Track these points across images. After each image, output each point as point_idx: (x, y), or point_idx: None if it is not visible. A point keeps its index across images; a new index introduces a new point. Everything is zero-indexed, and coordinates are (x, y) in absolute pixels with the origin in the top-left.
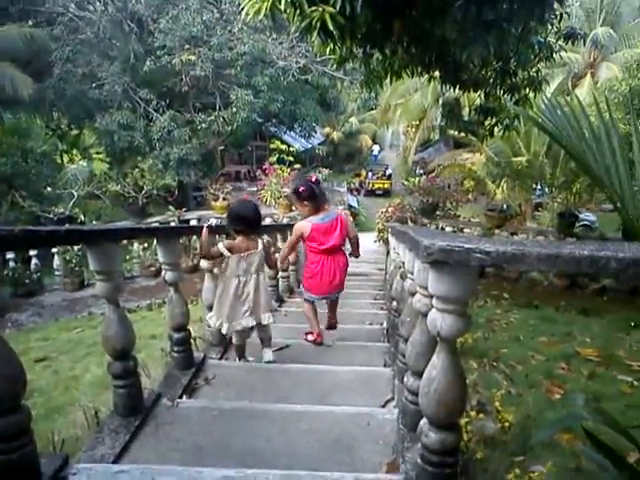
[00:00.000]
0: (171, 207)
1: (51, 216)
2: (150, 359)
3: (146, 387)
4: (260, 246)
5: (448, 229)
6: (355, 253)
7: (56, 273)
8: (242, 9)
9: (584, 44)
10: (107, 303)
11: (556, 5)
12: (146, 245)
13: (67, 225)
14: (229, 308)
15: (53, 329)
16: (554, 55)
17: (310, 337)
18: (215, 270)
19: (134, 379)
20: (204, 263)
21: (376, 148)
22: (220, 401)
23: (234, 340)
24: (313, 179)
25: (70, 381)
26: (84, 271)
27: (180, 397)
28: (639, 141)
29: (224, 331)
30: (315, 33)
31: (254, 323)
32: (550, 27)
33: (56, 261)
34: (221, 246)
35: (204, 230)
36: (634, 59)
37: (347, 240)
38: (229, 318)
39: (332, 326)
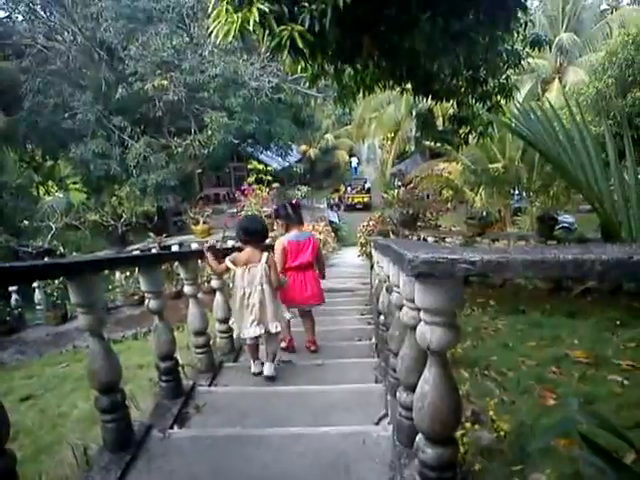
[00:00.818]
0: (151, 234)
1: (29, 250)
2: (139, 390)
3: (136, 419)
4: (263, 260)
5: (430, 239)
6: (322, 273)
7: (38, 308)
8: (211, 32)
9: (550, 50)
10: (91, 336)
11: (520, 13)
12: (128, 273)
13: (46, 258)
14: (238, 316)
15: (37, 365)
16: (522, 62)
17: (282, 344)
18: (200, 295)
19: (123, 412)
20: (187, 289)
21: (354, 160)
22: (212, 429)
23: (247, 341)
24: (293, 201)
25: (57, 419)
26: (67, 304)
27: (171, 427)
28: (611, 141)
29: (234, 335)
30: (285, 52)
31: (262, 331)
32: (516, 35)
33: (37, 295)
34: (227, 261)
35: (207, 253)
36: (599, 62)
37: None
38: (238, 325)
39: (313, 350)
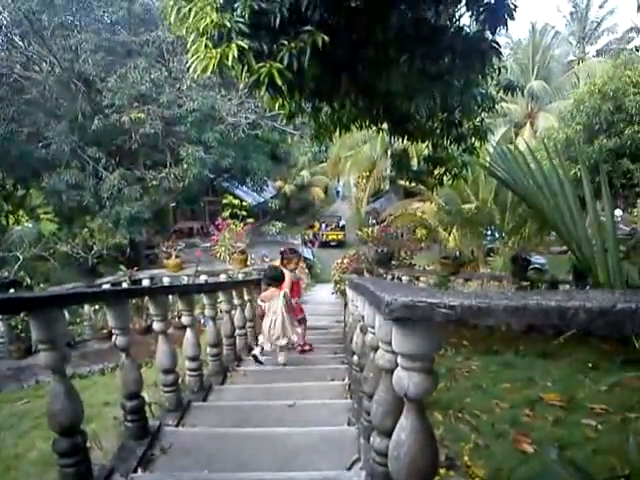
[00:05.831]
0: (122, 267)
1: None
2: (102, 429)
3: (97, 462)
4: (281, 295)
5: (405, 278)
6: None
7: (0, 340)
8: (190, 66)
9: (522, 95)
10: (52, 374)
11: (494, 59)
12: (97, 307)
13: (12, 289)
14: (268, 335)
15: None
16: (496, 105)
17: (306, 347)
18: (170, 330)
19: (83, 456)
20: (157, 325)
21: (339, 185)
22: (177, 473)
23: (257, 350)
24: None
25: (12, 460)
26: (31, 337)
27: (135, 471)
28: (588, 185)
29: (266, 348)
30: (264, 88)
31: (285, 342)
32: (490, 80)
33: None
34: (259, 301)
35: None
36: (567, 109)
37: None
38: (269, 340)
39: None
